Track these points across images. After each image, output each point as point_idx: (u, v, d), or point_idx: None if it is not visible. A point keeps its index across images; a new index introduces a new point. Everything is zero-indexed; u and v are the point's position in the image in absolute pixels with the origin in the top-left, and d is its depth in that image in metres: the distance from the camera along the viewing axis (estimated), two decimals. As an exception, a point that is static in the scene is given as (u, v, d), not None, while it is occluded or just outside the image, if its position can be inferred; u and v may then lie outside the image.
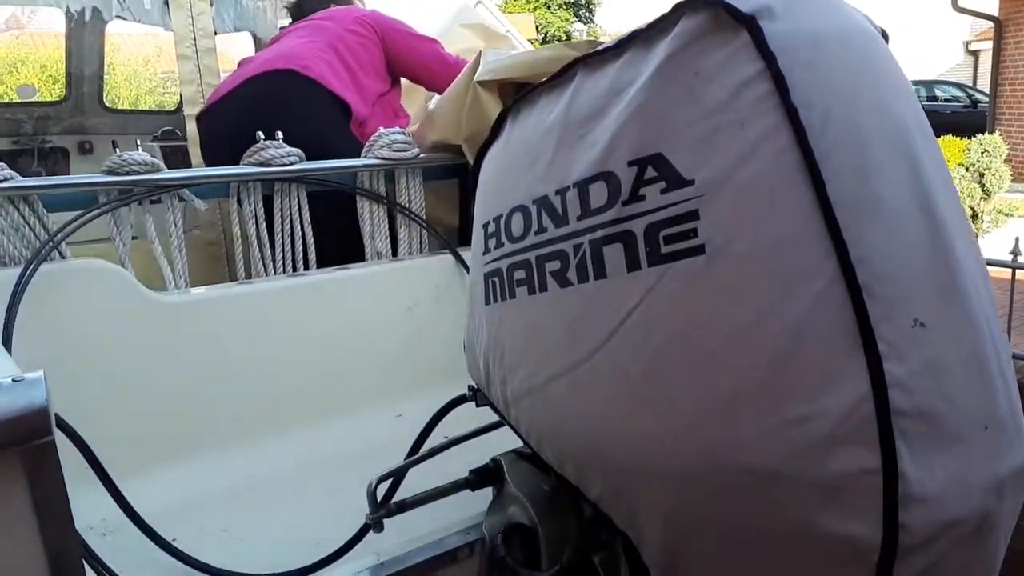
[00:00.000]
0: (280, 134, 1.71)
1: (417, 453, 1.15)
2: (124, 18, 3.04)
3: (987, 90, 11.05)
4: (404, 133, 1.88)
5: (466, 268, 1.88)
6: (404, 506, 1.04)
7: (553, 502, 0.98)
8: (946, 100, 14.47)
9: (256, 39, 3.23)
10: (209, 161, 2.20)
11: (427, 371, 1.80)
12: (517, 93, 1.32)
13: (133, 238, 1.58)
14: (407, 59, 2.31)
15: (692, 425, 0.70)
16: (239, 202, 1.72)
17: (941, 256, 0.67)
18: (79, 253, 1.52)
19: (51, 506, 0.70)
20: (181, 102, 3.13)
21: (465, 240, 2.02)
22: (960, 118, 12.72)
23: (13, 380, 0.65)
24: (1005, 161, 7.96)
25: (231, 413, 1.56)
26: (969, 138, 8.23)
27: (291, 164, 1.70)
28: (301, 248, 1.79)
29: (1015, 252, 1.82)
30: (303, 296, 1.70)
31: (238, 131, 1.91)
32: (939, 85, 15.04)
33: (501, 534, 1.00)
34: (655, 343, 0.72)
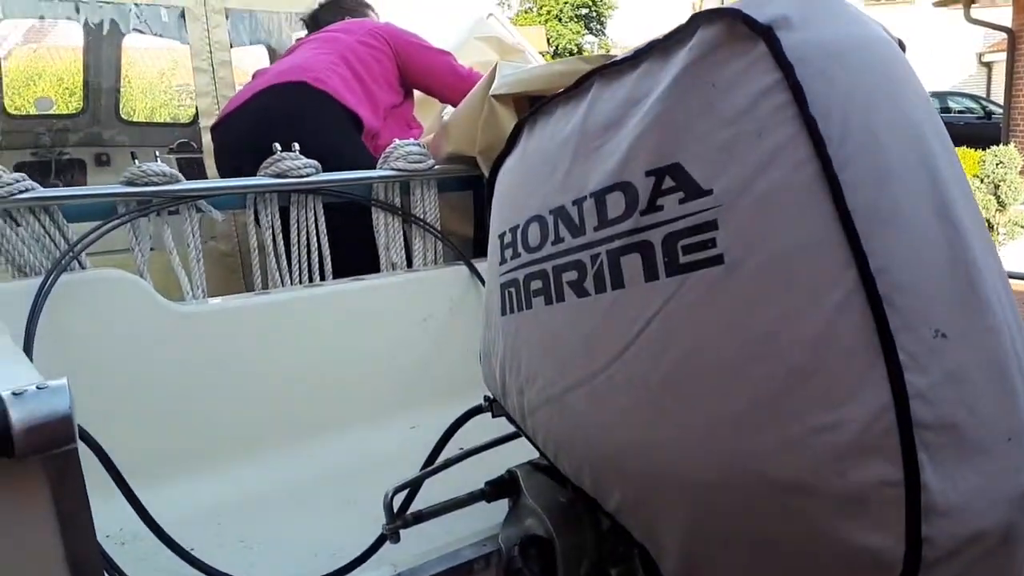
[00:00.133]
0: (297, 145, 1.72)
1: (433, 464, 1.15)
2: (142, 31, 3.07)
3: (1001, 101, 10.99)
4: (419, 145, 1.89)
5: (481, 279, 1.88)
6: (421, 517, 1.04)
7: (570, 514, 0.98)
8: (960, 112, 14.41)
9: (271, 52, 3.26)
10: (222, 171, 2.22)
11: (442, 382, 1.80)
12: (532, 106, 1.32)
13: (151, 249, 1.60)
14: (420, 71, 2.33)
15: (711, 435, 0.70)
16: (256, 213, 1.73)
17: (961, 265, 0.67)
18: (98, 263, 1.53)
19: (73, 514, 0.71)
20: (197, 114, 3.17)
21: (480, 251, 2.02)
22: (974, 130, 12.67)
23: (37, 388, 0.65)
24: (1020, 173, 7.90)
25: (248, 423, 1.57)
26: (983, 150, 8.19)
27: (308, 175, 1.71)
28: (317, 259, 1.80)
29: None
30: (319, 307, 1.70)
31: (250, 143, 1.93)
32: (952, 97, 14.99)
33: (518, 546, 1.00)
34: (674, 353, 0.72)
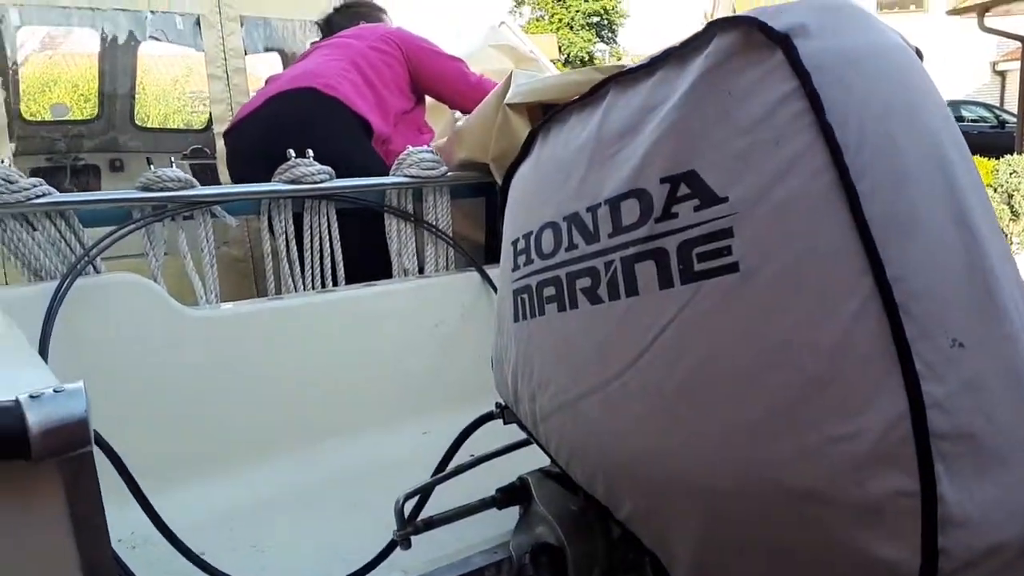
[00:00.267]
0: (311, 152, 1.73)
1: (444, 470, 1.15)
2: (157, 39, 3.10)
3: (1015, 110, 10.93)
4: (432, 152, 1.90)
5: (492, 285, 1.88)
6: (431, 523, 1.04)
7: (581, 522, 0.97)
8: (973, 120, 14.35)
9: (285, 59, 3.28)
10: (234, 176, 2.24)
11: (453, 388, 1.80)
12: (546, 114, 1.32)
13: (164, 254, 1.61)
14: (431, 76, 2.34)
15: (726, 444, 0.70)
16: (270, 219, 1.74)
17: (979, 273, 0.67)
18: (113, 268, 1.54)
19: (87, 518, 0.71)
20: (210, 121, 3.19)
21: (491, 257, 2.02)
22: (987, 139, 12.59)
23: (54, 391, 0.66)
24: (1034, 182, 7.84)
25: (259, 427, 1.57)
26: (997, 159, 8.13)
27: (321, 182, 1.72)
28: (330, 264, 1.81)
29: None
30: (331, 312, 1.71)
31: (262, 148, 1.94)
32: (966, 105, 14.92)
33: (528, 553, 0.99)
34: (689, 361, 0.72)
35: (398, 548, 1.06)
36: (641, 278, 0.76)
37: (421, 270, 1.93)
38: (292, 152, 1.72)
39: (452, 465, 1.16)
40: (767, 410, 0.66)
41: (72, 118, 4.43)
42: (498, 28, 3.14)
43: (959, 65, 16.27)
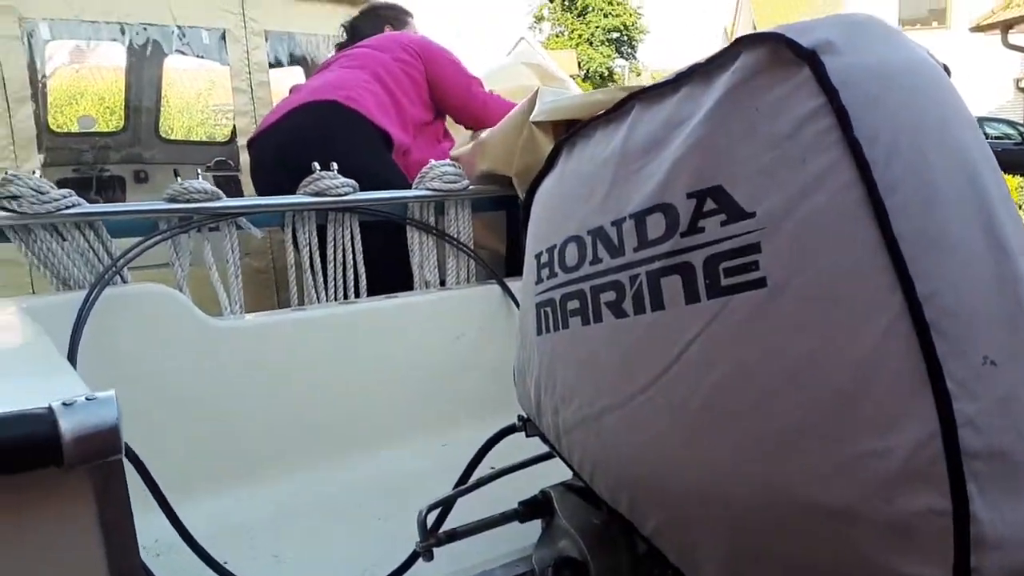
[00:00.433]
0: (335, 165, 1.75)
1: (466, 482, 1.15)
2: (184, 52, 3.14)
3: (1039, 127, 10.83)
4: (454, 165, 1.91)
5: (513, 298, 1.89)
6: (454, 535, 1.04)
7: (604, 536, 0.97)
8: (996, 138, 14.22)
9: (308, 72, 3.31)
10: (257, 187, 2.26)
11: (473, 400, 1.81)
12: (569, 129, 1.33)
13: (189, 264, 1.63)
14: (443, 90, 2.36)
15: (753, 459, 0.69)
16: (294, 230, 1.76)
17: (1010, 288, 0.66)
18: (139, 278, 1.56)
19: (116, 525, 0.72)
20: (234, 133, 3.23)
21: (512, 270, 2.03)
22: (1011, 156, 12.47)
23: (86, 399, 0.66)
24: (1059, 199, 7.76)
25: (281, 437, 1.58)
26: (1021, 176, 8.06)
27: (345, 194, 1.74)
28: (352, 276, 1.82)
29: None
30: (354, 323, 1.72)
31: (283, 160, 1.97)
32: (989, 122, 14.80)
33: (551, 567, 0.99)
34: (715, 376, 0.71)
35: (420, 559, 1.06)
36: (667, 292, 0.76)
37: (442, 282, 1.94)
38: (317, 165, 1.74)
39: (474, 477, 1.16)
40: (794, 426, 0.66)
41: (98, 130, 4.50)
42: (531, 46, 3.19)
43: (982, 82, 16.15)
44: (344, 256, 1.80)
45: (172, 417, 1.47)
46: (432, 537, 1.03)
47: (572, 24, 34.23)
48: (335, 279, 1.80)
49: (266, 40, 2.93)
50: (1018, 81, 17.57)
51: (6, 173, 1.43)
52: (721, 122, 0.75)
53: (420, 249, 1.90)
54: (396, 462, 1.64)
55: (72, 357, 1.26)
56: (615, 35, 34.61)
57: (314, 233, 1.76)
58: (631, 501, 0.85)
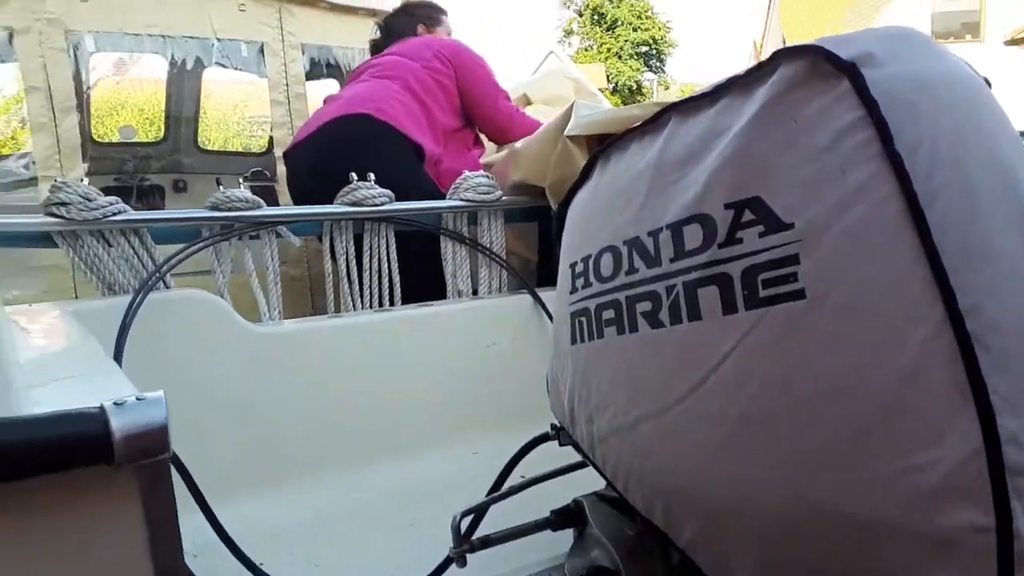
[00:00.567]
0: (372, 176, 1.78)
1: (498, 490, 1.16)
2: (223, 65, 3.21)
3: (1081, 141, 10.61)
4: (488, 176, 1.93)
5: (544, 308, 1.90)
6: (488, 542, 1.05)
7: (637, 546, 0.97)
8: (1035, 151, 13.94)
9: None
10: (293, 198, 2.30)
11: (503, 409, 1.82)
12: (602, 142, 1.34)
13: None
14: (470, 100, 2.38)
15: (791, 472, 0.69)
16: (331, 239, 1.79)
17: None
18: (180, 284, 1.60)
19: (162, 523, 0.73)
20: (271, 144, 3.29)
21: (543, 280, 2.04)
22: (1051, 169, 12.22)
23: (136, 399, 0.68)
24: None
25: (316, 442, 1.61)
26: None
27: (382, 204, 1.77)
28: (387, 285, 1.84)
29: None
30: (388, 331, 1.74)
31: (317, 173, 2.02)
32: (1027, 136, 14.52)
33: (584, 576, 0.99)
34: (753, 388, 0.71)
35: (453, 565, 1.07)
36: (704, 303, 0.76)
37: (475, 292, 1.96)
38: (354, 176, 1.77)
39: (505, 485, 1.16)
40: (833, 439, 0.66)
41: (139, 140, 4.60)
42: (567, 60, 3.26)
43: (1017, 95, 15.88)
44: (380, 265, 1.83)
45: (211, 420, 1.49)
46: (466, 543, 1.04)
47: (601, 38, 34.28)
48: (371, 287, 1.83)
49: (303, 53, 2.99)
50: (1057, 94, 17.24)
51: (56, 180, 1.48)
52: (760, 134, 0.75)
53: (453, 259, 1.92)
54: (428, 468, 1.65)
55: (117, 360, 1.29)
56: (644, 49, 34.59)
57: (351, 242, 1.79)
58: (665, 511, 0.85)
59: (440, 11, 2.71)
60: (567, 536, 1.10)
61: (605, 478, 0.97)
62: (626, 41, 33.84)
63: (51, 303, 1.45)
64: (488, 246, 1.94)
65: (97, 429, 0.66)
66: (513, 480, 1.19)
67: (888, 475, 0.63)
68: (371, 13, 3.08)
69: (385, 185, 1.81)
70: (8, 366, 0.68)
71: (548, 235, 2.07)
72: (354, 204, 1.75)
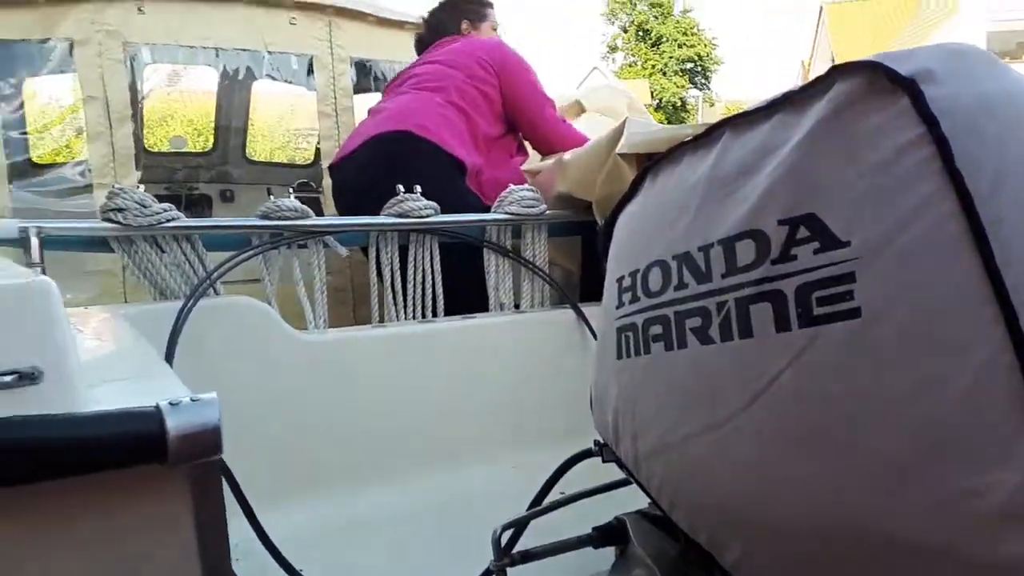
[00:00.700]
0: (419, 188, 1.80)
1: (539, 504, 1.16)
2: (273, 78, 3.27)
3: None
4: (533, 190, 1.94)
5: (587, 323, 1.89)
6: (528, 556, 1.04)
7: (681, 566, 0.96)
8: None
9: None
10: (338, 210, 2.33)
11: (543, 424, 1.82)
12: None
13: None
14: (515, 107, 2.36)
15: (844, 494, 0.68)
16: (377, 250, 1.81)
17: None
18: (229, 291, 1.63)
19: (211, 523, 0.74)
20: (317, 156, 3.34)
21: (586, 295, 2.03)
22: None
23: (191, 399, 0.70)
24: None
25: (357, 450, 1.63)
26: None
27: (427, 216, 1.78)
28: (431, 296, 1.86)
29: None
30: (431, 342, 1.76)
31: (361, 189, 2.05)
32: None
33: (625, 595, 0.98)
34: (806, 407, 0.70)
35: (492, 578, 1.06)
36: (756, 320, 0.75)
37: (517, 305, 1.96)
38: (401, 187, 1.79)
39: (547, 500, 1.16)
40: (888, 460, 0.65)
41: (189, 150, 4.71)
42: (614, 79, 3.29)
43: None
44: (423, 276, 1.84)
45: (255, 425, 1.51)
46: (506, 557, 1.04)
47: (646, 54, 34.28)
48: (414, 298, 1.84)
49: (351, 66, 3.03)
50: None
51: (113, 186, 1.52)
52: (815, 149, 0.75)
53: (496, 271, 1.92)
54: (467, 480, 1.65)
55: (168, 363, 1.32)
56: (689, 65, 34.50)
57: (396, 253, 1.81)
58: (711, 532, 0.84)
59: (485, 4, 2.68)
60: (608, 554, 1.09)
61: (649, 496, 0.96)
62: (671, 57, 33.80)
63: (105, 306, 1.49)
64: (531, 259, 1.94)
65: (153, 428, 0.68)
66: (552, 496, 1.18)
67: (946, 498, 0.62)
68: (418, 27, 3.12)
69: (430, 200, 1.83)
70: (70, 366, 0.70)
71: (592, 249, 2.06)
72: (400, 216, 1.77)
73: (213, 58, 3.16)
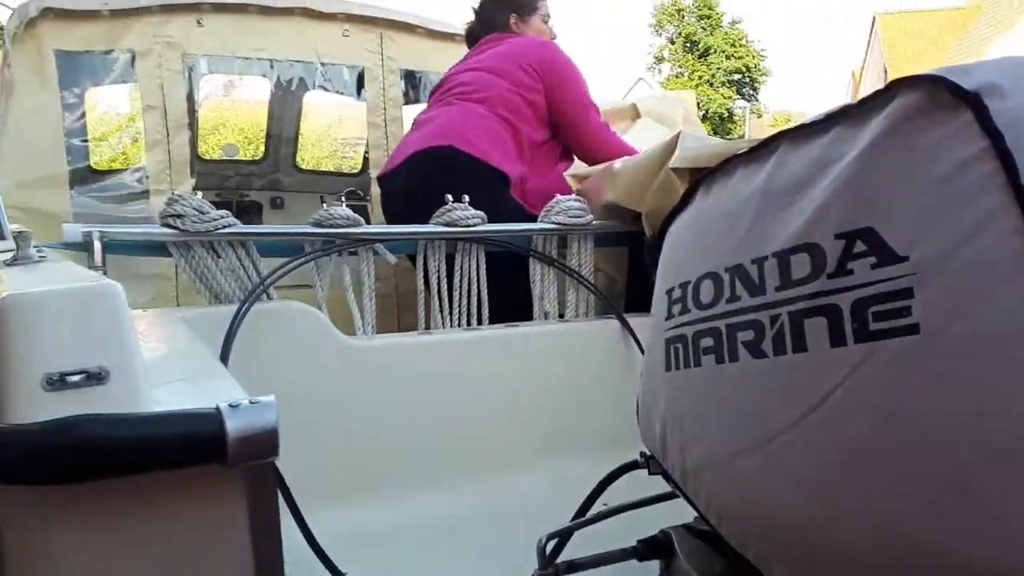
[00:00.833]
0: (467, 197, 1.81)
1: (584, 515, 1.16)
2: (326, 88, 3.33)
3: None
4: (580, 200, 1.94)
5: (632, 334, 1.88)
6: (573, 567, 1.04)
7: (728, 582, 0.95)
8: None
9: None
10: (387, 220, 2.36)
11: (585, 434, 1.82)
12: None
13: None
14: (559, 115, 2.33)
15: (897, 511, 0.67)
16: (425, 258, 1.83)
17: None
18: (280, 296, 1.67)
19: (266, 524, 0.76)
20: (366, 165, 3.39)
21: (632, 306, 2.03)
22: None
23: (250, 402, 0.71)
24: None
25: (403, 455, 1.64)
26: None
27: (475, 225, 1.80)
28: (476, 304, 1.87)
29: None
30: (476, 349, 1.77)
31: (408, 201, 2.09)
32: None
33: (671, 609, 0.98)
34: (860, 424, 0.69)
35: (537, 587, 1.07)
36: (810, 334, 0.75)
37: (561, 315, 1.96)
38: (450, 197, 1.81)
39: (591, 511, 1.16)
40: (949, 478, 0.63)
41: (241, 158, 4.81)
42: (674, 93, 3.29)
43: None
44: (469, 284, 1.86)
45: (303, 428, 1.53)
46: (551, 566, 1.04)
47: (693, 65, 34.08)
48: (460, 306, 1.86)
49: (401, 78, 3.07)
50: None
51: (172, 193, 1.56)
52: (874, 163, 0.74)
53: (541, 281, 1.93)
54: (510, 489, 1.66)
55: (223, 364, 1.35)
56: (736, 76, 34.20)
57: (443, 261, 1.83)
58: (760, 547, 0.83)
59: None
60: (653, 568, 1.09)
61: (697, 510, 0.95)
62: (718, 69, 33.56)
63: (162, 309, 1.53)
64: (577, 269, 1.94)
65: (213, 429, 0.69)
66: (596, 507, 1.18)
67: (1007, 517, 0.60)
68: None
69: None
70: (135, 367, 0.72)
71: (639, 260, 2.05)
72: (448, 224, 1.79)
73: (267, 69, 3.23)
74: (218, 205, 1.64)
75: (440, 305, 1.84)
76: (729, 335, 0.85)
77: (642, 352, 1.76)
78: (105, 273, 1.46)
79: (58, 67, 2.47)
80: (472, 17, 2.68)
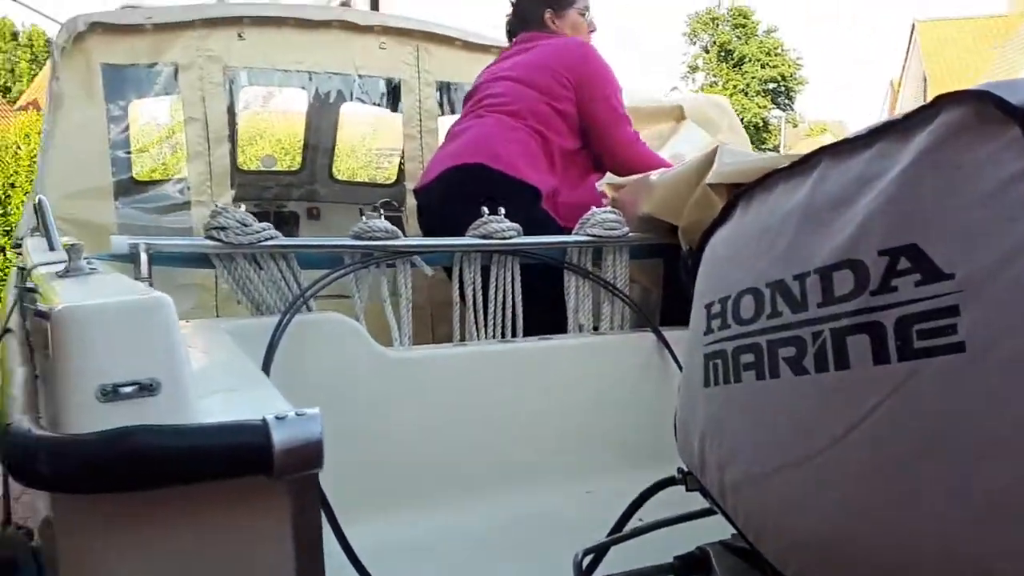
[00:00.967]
0: (503, 209, 1.83)
1: (620, 531, 1.15)
2: (363, 100, 3.37)
3: None
4: (615, 212, 1.94)
5: (668, 347, 1.88)
6: (610, 582, 1.04)
7: (767, 600, 0.94)
8: None
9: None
10: (423, 231, 2.39)
11: (620, 448, 1.81)
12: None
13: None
14: (590, 126, 2.31)
15: (941, 532, 0.66)
16: (461, 270, 1.84)
17: None
18: (319, 307, 1.69)
19: (308, 536, 0.77)
20: (401, 176, 3.42)
21: (667, 319, 2.01)
22: None
23: (296, 414, 0.73)
24: None
25: (438, 468, 1.65)
26: None
27: (510, 238, 1.81)
28: (511, 316, 1.88)
29: None
30: (511, 361, 1.78)
31: (441, 217, 2.12)
32: None
33: (709, 627, 0.97)
34: (903, 443, 0.69)
35: (573, 602, 1.06)
36: (853, 352, 0.74)
37: (596, 328, 1.96)
38: (486, 209, 1.82)
39: (626, 527, 1.15)
40: (996, 498, 0.63)
41: (279, 169, 4.87)
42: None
43: None
44: (504, 296, 1.87)
45: (342, 438, 1.55)
46: (588, 581, 1.04)
47: (727, 74, 33.85)
48: (495, 318, 1.87)
49: (437, 90, 3.10)
50: None
51: (216, 206, 1.60)
52: (918, 179, 0.73)
53: (576, 293, 1.93)
54: (544, 502, 1.65)
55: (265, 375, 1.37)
56: (772, 85, 33.91)
57: (479, 273, 1.84)
58: (800, 566, 0.82)
59: None
60: (689, 585, 1.08)
61: (736, 527, 0.94)
62: (753, 78, 33.30)
63: (204, 320, 1.56)
64: (612, 281, 1.94)
65: (260, 441, 0.71)
66: (632, 523, 1.18)
67: None
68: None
69: None
70: (184, 378, 0.74)
71: (674, 272, 2.04)
72: (484, 237, 1.80)
73: (306, 81, 3.28)
74: (257, 216, 1.66)
75: (475, 317, 1.85)
76: (770, 351, 0.85)
77: (678, 365, 1.76)
78: (151, 285, 1.50)
79: (104, 80, 2.53)
80: (510, 11, 2.66)
